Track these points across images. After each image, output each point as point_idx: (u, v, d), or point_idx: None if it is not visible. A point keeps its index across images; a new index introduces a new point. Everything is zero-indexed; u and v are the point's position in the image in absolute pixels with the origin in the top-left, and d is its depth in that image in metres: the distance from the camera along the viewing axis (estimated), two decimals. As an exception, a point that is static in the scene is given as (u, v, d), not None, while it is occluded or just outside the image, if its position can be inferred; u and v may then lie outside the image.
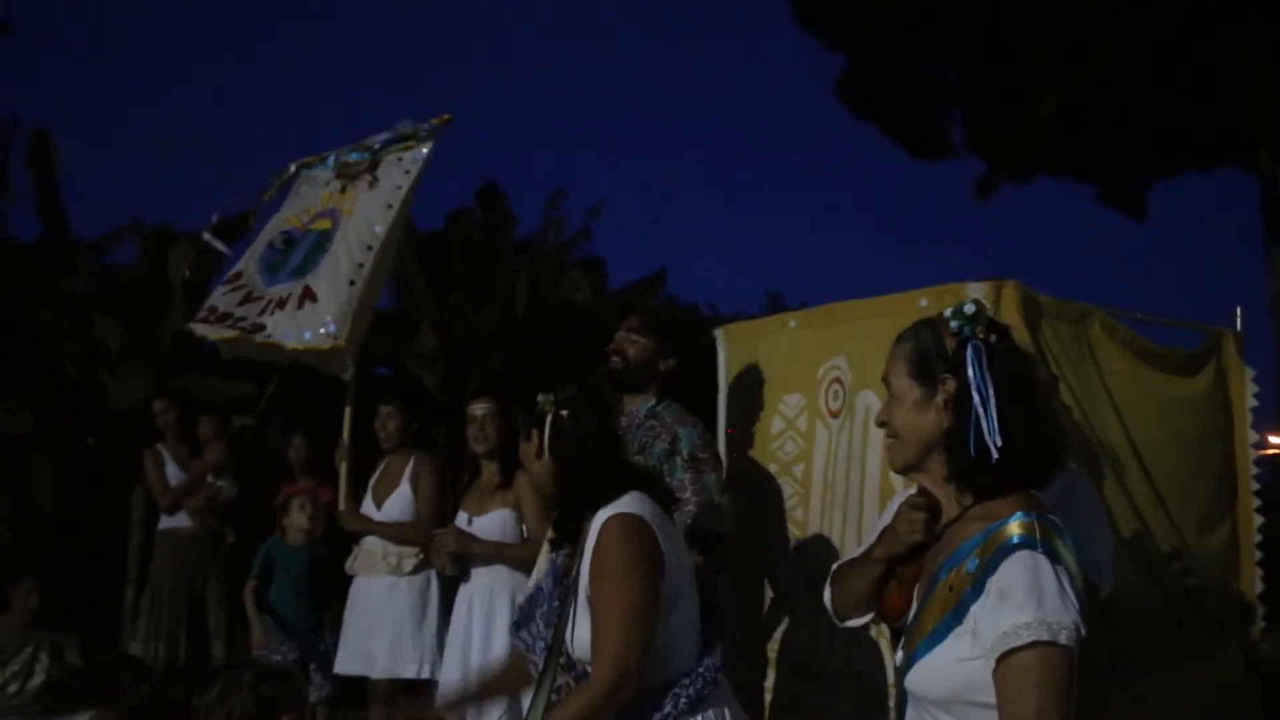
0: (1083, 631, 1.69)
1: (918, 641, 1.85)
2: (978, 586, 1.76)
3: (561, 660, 2.56)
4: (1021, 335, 3.06)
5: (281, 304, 4.59)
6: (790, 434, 3.94)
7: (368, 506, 5.10)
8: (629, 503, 2.46)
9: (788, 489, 3.96)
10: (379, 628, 4.94)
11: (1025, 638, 1.67)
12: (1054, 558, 1.74)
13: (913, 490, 3.00)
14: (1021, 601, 1.69)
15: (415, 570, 4.93)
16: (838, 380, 3.72)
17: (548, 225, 14.14)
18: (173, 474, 6.42)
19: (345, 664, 5.05)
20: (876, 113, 14.80)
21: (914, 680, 1.86)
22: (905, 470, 2.00)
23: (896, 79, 14.35)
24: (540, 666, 2.58)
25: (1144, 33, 11.91)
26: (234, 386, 10.18)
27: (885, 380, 2.02)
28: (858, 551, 2.97)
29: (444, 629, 4.81)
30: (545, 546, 3.87)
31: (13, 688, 4.95)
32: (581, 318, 13.10)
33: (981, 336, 1.87)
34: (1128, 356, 3.35)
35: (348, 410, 4.97)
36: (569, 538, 2.58)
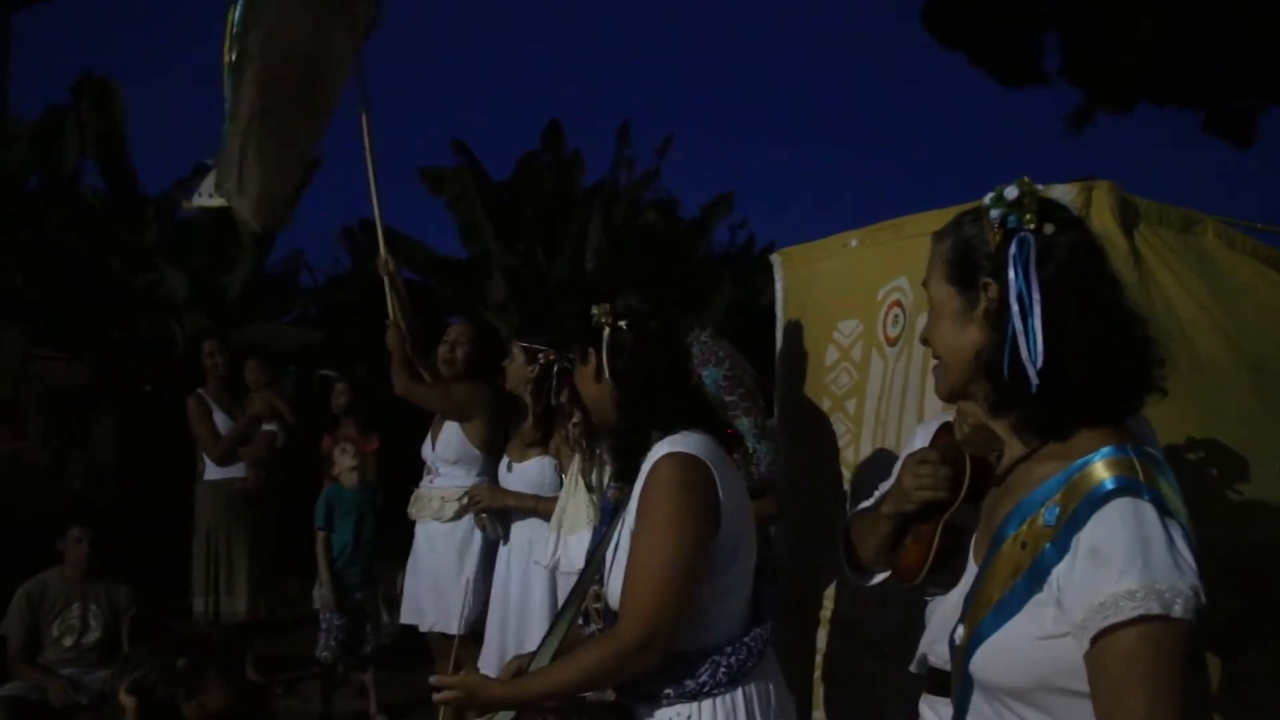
0: (1202, 599, 1.30)
1: (983, 614, 1.46)
2: (1060, 543, 1.37)
3: (598, 605, 2.22)
4: (1118, 243, 2.60)
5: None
6: (845, 365, 3.52)
7: (426, 449, 4.89)
8: (688, 442, 2.09)
9: (840, 427, 3.55)
10: (425, 578, 4.76)
11: (1129, 611, 1.29)
12: (1162, 506, 1.34)
13: (943, 416, 2.64)
14: (1122, 564, 1.31)
15: (457, 516, 4.66)
16: (898, 304, 3.29)
17: (618, 165, 13.76)
18: (220, 422, 6.21)
19: (406, 613, 4.88)
20: (964, 40, 14.08)
21: (981, 664, 1.47)
22: (951, 398, 1.60)
23: (986, 4, 13.61)
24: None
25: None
26: (301, 334, 10.11)
27: (924, 286, 1.64)
28: (869, 501, 2.61)
29: (484, 581, 4.60)
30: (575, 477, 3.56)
31: (68, 640, 4.86)
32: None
33: (1032, 227, 1.46)
34: (1254, 266, 2.85)
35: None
36: (631, 473, 2.17)
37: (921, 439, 2.52)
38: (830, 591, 3.49)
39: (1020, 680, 1.42)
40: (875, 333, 3.40)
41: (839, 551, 2.67)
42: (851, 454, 3.46)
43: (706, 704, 2.04)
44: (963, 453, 2.18)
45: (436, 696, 2.10)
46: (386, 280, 4.81)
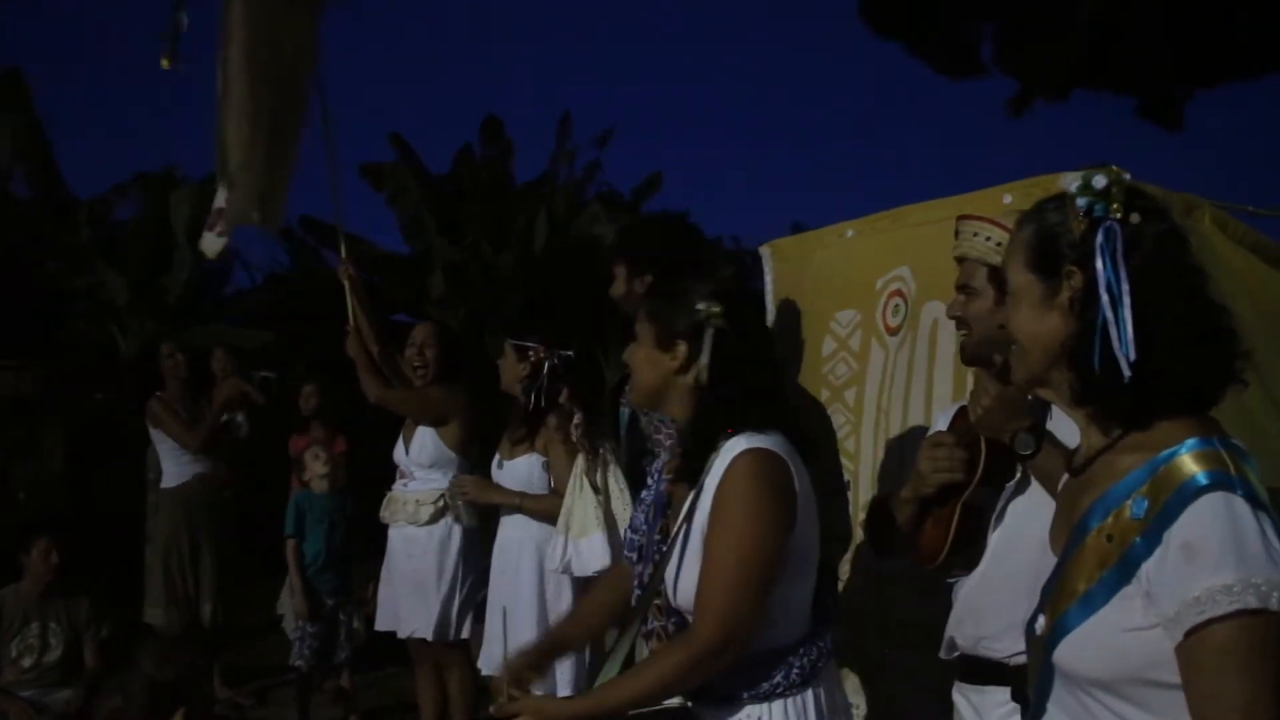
0: None
1: (1067, 604, 1.44)
2: (1150, 537, 1.35)
3: (659, 601, 2.18)
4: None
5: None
6: (842, 355, 3.53)
7: (399, 452, 4.79)
8: (765, 438, 2.05)
9: (839, 417, 3.55)
10: (403, 584, 4.67)
11: (1226, 605, 1.27)
12: (1254, 499, 1.34)
13: (959, 404, 2.65)
14: (1217, 558, 1.29)
15: (433, 519, 4.59)
16: (899, 293, 3.30)
17: (559, 158, 13.69)
18: (183, 425, 6.02)
19: (381, 620, 4.80)
20: (902, 31, 14.21)
21: (1066, 655, 1.45)
22: (1030, 385, 1.59)
23: (923, -4, 13.73)
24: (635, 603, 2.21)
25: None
26: (251, 335, 9.90)
27: (1004, 273, 1.61)
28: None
29: (467, 585, 4.61)
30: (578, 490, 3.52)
31: (27, 661, 4.71)
32: (600, 252, 12.72)
33: (1119, 216, 1.45)
34: (1243, 253, 2.90)
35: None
36: (694, 472, 2.11)
37: (941, 423, 2.53)
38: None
39: (1107, 671, 1.41)
40: (875, 322, 3.40)
41: (866, 537, 2.68)
42: (852, 444, 3.47)
43: (778, 705, 2.01)
44: (978, 435, 2.20)
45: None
46: (347, 284, 4.72)
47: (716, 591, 1.96)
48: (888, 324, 3.35)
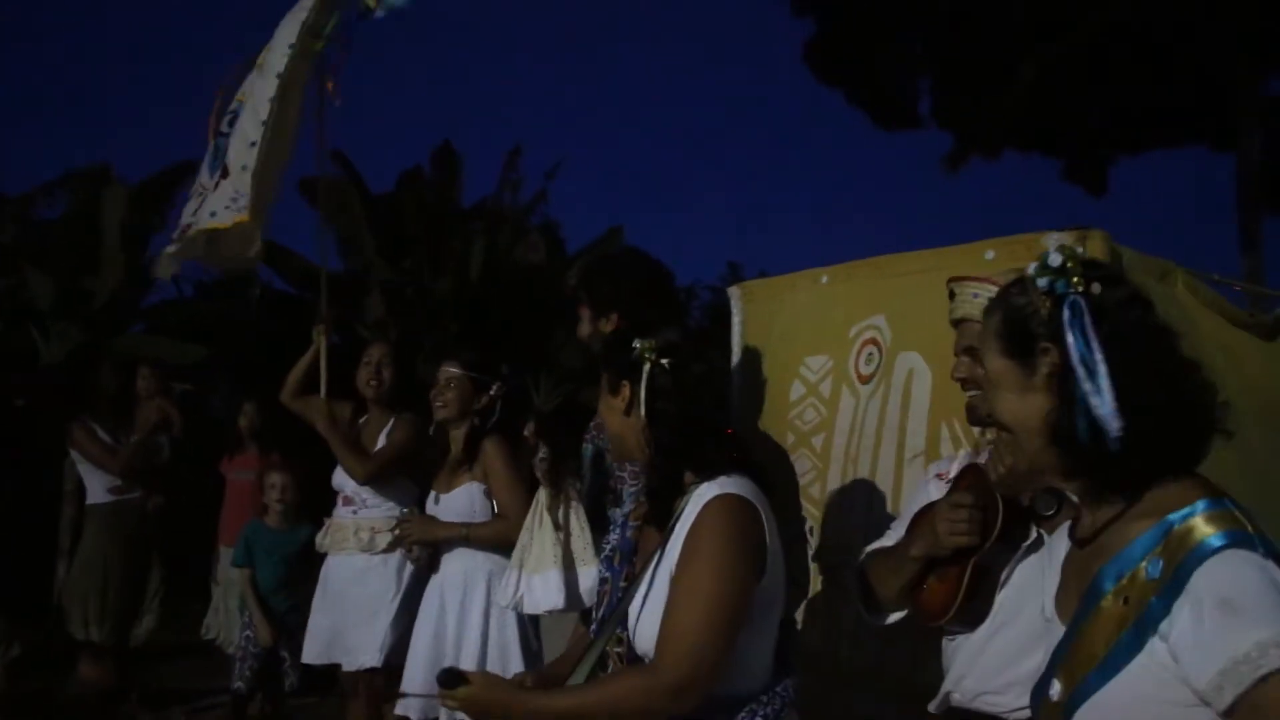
0: None
1: (1085, 669, 1.45)
2: (1166, 596, 1.37)
3: (618, 645, 2.16)
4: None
5: (203, 195, 4.22)
6: (812, 400, 3.54)
7: (342, 477, 4.65)
8: (736, 484, 2.06)
9: (804, 463, 3.56)
10: (347, 612, 4.53)
11: (1277, 660, 1.29)
12: (1277, 557, 1.37)
13: (954, 459, 2.68)
14: (1261, 613, 1.31)
15: (390, 547, 4.49)
16: (873, 341, 3.33)
17: (504, 186, 13.65)
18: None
19: (313, 651, 4.62)
20: (843, 80, 14.49)
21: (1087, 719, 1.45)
22: (1033, 471, 1.59)
23: (865, 46, 14.03)
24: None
25: (1116, 8, 11.70)
26: (181, 349, 9.64)
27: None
28: (888, 539, 2.63)
29: (406, 611, 4.43)
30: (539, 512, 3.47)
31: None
32: (537, 281, 12.69)
33: (1080, 289, 1.47)
34: (1213, 317, 2.99)
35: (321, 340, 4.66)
36: (664, 515, 2.12)
37: (936, 482, 2.55)
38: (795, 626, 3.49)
39: None
40: (847, 369, 3.42)
41: (853, 591, 2.69)
42: (817, 490, 3.47)
43: None
44: (994, 494, 2.22)
45: (448, 697, 2.00)
46: (320, 342, 4.65)
47: (682, 634, 1.95)
48: (860, 372, 3.37)
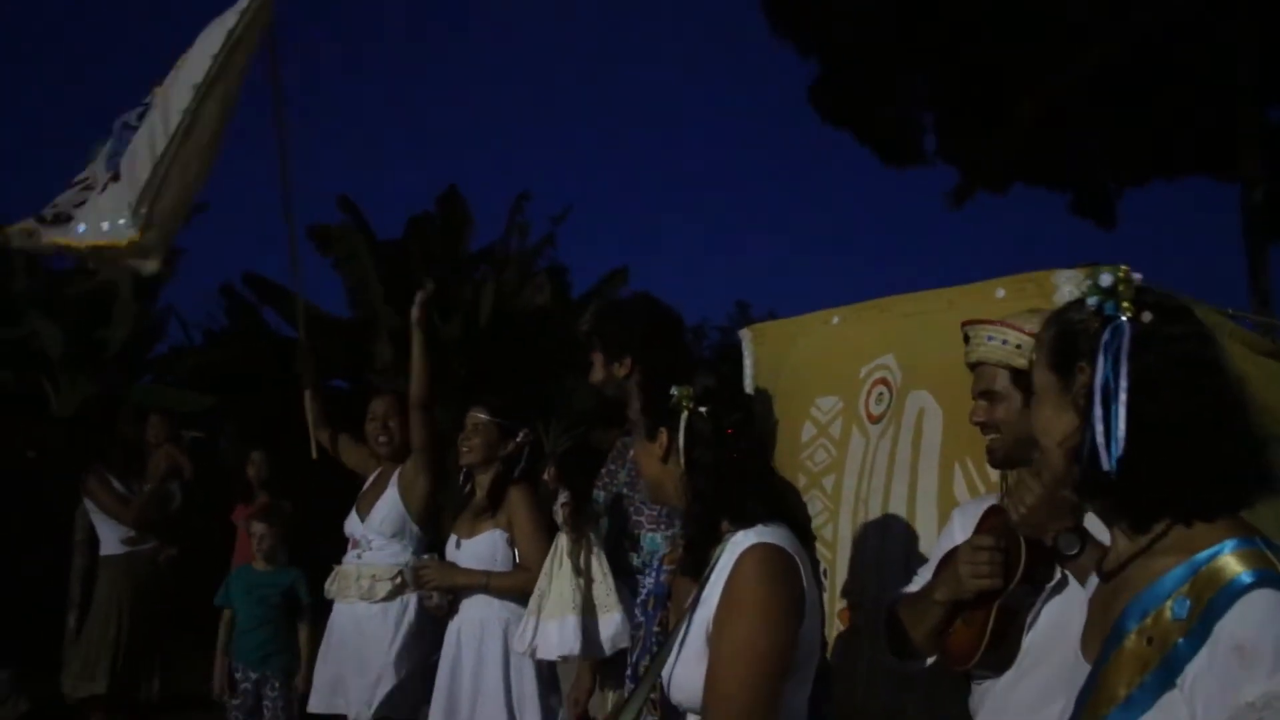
0: None
1: (1107, 710, 1.43)
2: (1195, 637, 1.34)
3: (654, 695, 2.13)
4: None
5: (91, 187, 3.95)
6: (822, 441, 3.53)
7: (353, 523, 4.64)
8: (775, 533, 2.05)
9: (816, 504, 3.53)
10: (347, 660, 4.48)
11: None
12: None
13: (982, 501, 2.65)
14: (1271, 661, 1.28)
15: (390, 596, 4.45)
16: (883, 381, 3.31)
17: (511, 231, 13.71)
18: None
19: (319, 699, 4.57)
20: (849, 120, 14.57)
21: None
22: (1055, 483, 1.60)
23: (869, 86, 14.13)
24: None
25: (1119, 41, 11.78)
26: (190, 397, 9.66)
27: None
28: (915, 583, 2.60)
29: (418, 663, 4.40)
30: (561, 560, 3.45)
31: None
32: (545, 325, 12.71)
33: (1130, 315, 1.47)
34: (1242, 351, 2.96)
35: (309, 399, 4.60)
36: (700, 564, 2.10)
37: (960, 524, 2.52)
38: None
39: None
40: (857, 410, 3.40)
41: (882, 637, 2.66)
42: (829, 532, 3.45)
43: None
44: (1016, 535, 2.19)
45: None
46: (310, 404, 4.60)
47: (732, 692, 1.93)
48: (870, 412, 3.36)
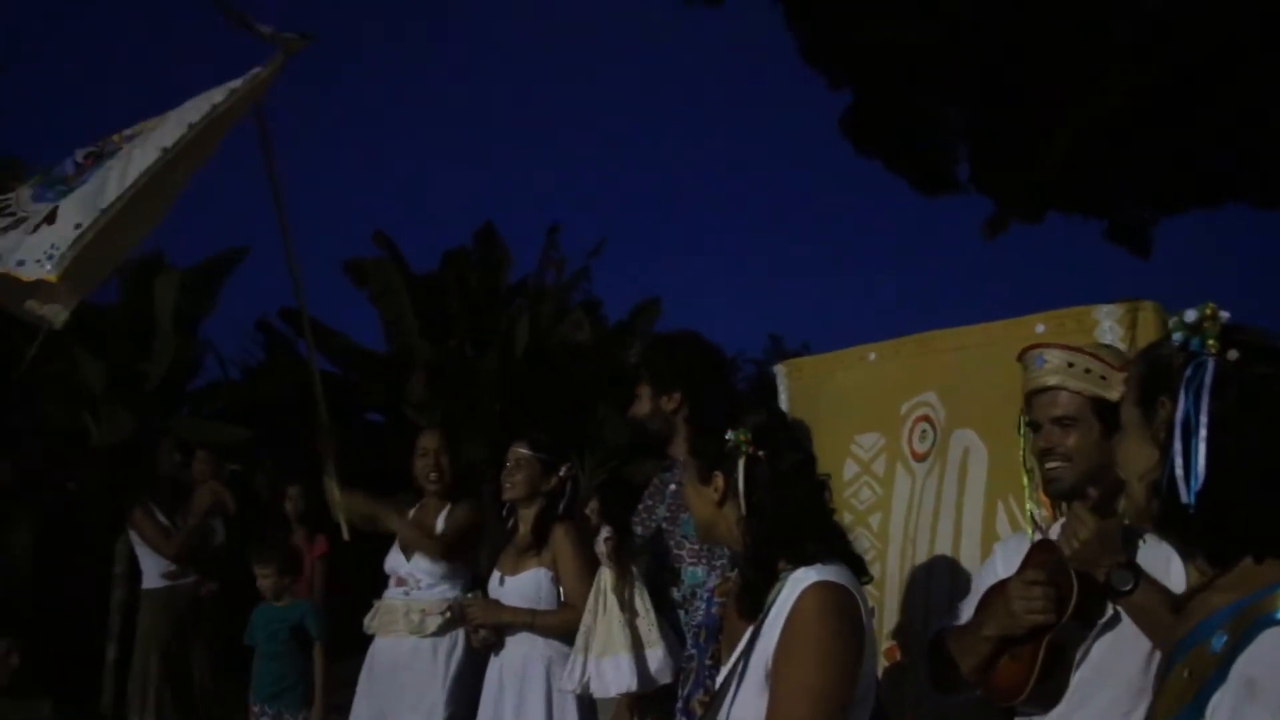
0: None
1: None
2: (1223, 670, 1.34)
3: None
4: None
5: (20, 223, 3.64)
6: (866, 479, 3.51)
7: (397, 559, 4.63)
8: (834, 571, 2.04)
9: (863, 543, 3.51)
10: (394, 696, 4.45)
11: None
12: None
13: (1023, 536, 2.63)
14: (1276, 699, 1.28)
15: (440, 631, 4.44)
16: (926, 418, 3.30)
17: (545, 265, 13.78)
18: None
19: None
20: (880, 149, 14.52)
21: None
22: (1140, 519, 1.60)
23: (901, 115, 14.09)
24: None
25: (1156, 69, 11.71)
26: (228, 431, 9.74)
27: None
28: (960, 618, 2.58)
29: (467, 697, 4.35)
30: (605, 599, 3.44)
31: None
32: (581, 358, 12.74)
33: (1214, 352, 1.47)
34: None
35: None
36: (757, 607, 2.09)
37: (1002, 558, 2.50)
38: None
39: None
40: (900, 447, 3.39)
41: (922, 670, 2.63)
42: (877, 570, 3.42)
43: None
44: (1067, 570, 2.17)
45: None
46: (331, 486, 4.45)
47: None
48: (914, 450, 3.34)
